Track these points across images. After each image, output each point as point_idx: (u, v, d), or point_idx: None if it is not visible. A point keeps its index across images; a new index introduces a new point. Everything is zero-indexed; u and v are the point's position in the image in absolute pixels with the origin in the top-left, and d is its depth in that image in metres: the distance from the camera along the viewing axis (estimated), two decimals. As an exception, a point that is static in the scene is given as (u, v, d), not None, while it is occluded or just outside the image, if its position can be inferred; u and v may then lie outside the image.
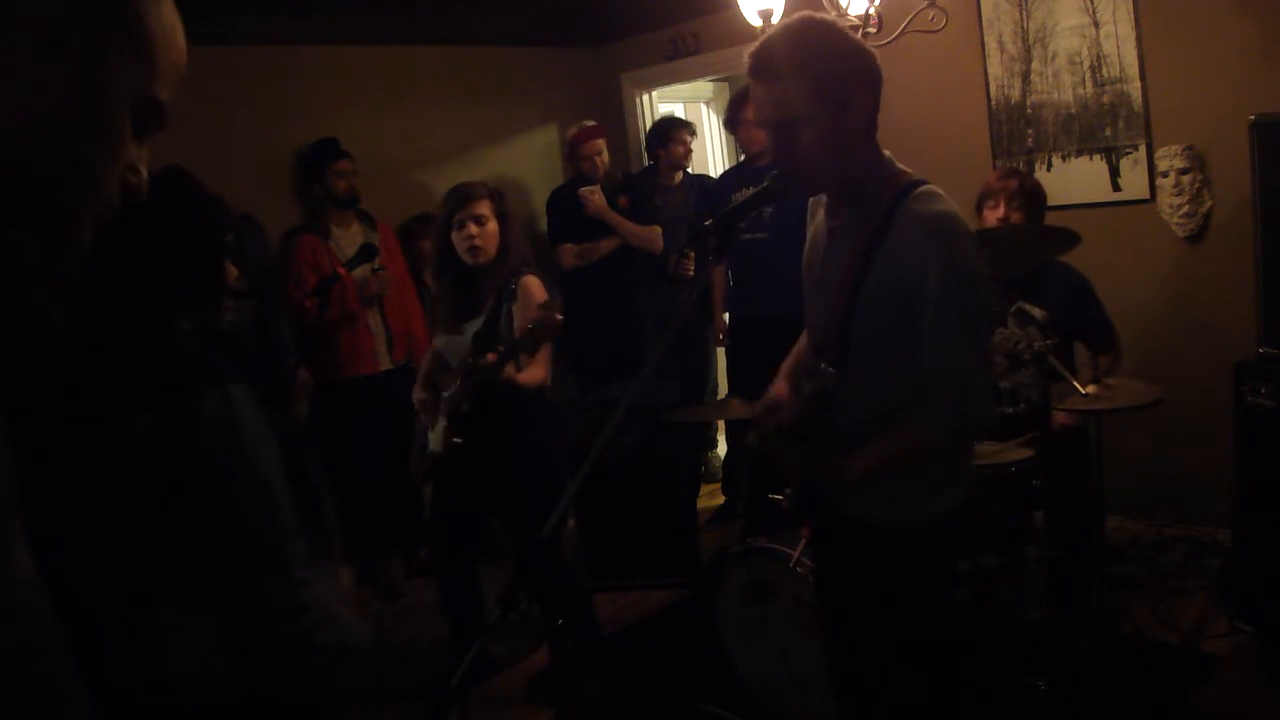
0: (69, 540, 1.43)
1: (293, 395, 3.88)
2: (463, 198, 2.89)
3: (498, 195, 2.97)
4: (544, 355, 2.90)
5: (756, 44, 1.67)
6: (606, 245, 4.57)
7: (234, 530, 1.39)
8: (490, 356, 2.68)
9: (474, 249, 2.87)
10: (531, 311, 2.73)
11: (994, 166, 3.90)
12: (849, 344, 1.70)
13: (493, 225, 2.89)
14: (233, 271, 1.59)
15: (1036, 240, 2.74)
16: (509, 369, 2.71)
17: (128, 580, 1.41)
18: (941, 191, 1.68)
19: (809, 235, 1.90)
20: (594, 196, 4.51)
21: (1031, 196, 2.94)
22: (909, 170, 1.73)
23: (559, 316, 2.65)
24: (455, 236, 2.89)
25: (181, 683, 1.40)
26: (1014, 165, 3.67)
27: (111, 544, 1.42)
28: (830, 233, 1.79)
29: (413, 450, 3.13)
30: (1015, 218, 2.88)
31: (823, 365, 1.73)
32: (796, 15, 1.71)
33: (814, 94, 1.62)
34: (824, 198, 1.85)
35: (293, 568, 1.43)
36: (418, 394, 3.05)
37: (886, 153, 1.73)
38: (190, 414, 1.37)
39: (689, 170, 4.95)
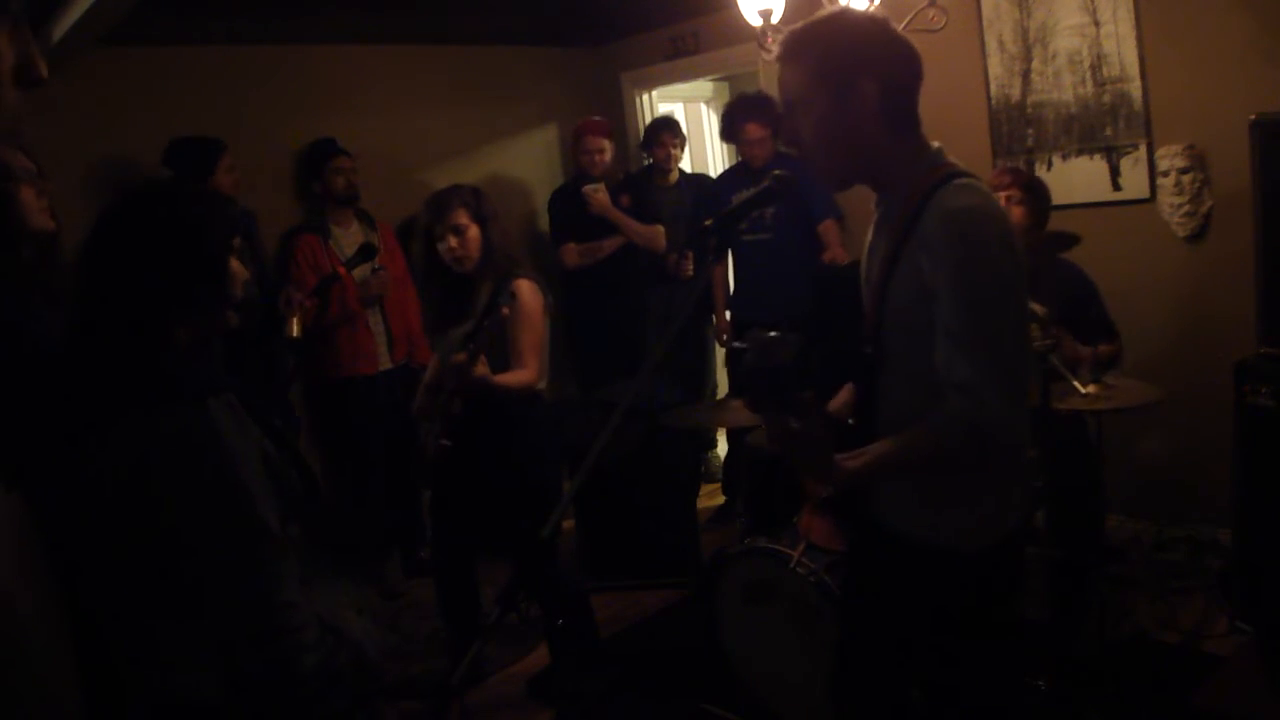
0: (67, 552, 1.42)
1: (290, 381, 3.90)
2: (439, 208, 2.86)
3: (474, 199, 2.90)
4: (534, 356, 2.88)
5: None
6: (610, 244, 4.56)
7: (210, 549, 1.36)
8: (457, 358, 2.66)
9: (458, 259, 2.86)
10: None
11: (994, 166, 3.90)
12: (883, 339, 1.63)
13: (473, 231, 2.86)
14: (242, 272, 1.55)
15: (1033, 244, 2.73)
16: (481, 368, 2.68)
17: (120, 592, 1.40)
18: (982, 186, 1.58)
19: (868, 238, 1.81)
20: (598, 194, 4.49)
21: (1031, 190, 2.95)
22: (957, 163, 1.64)
23: (505, 310, 2.63)
24: (440, 247, 2.87)
25: (176, 694, 1.39)
26: (1015, 165, 3.66)
27: (95, 557, 1.40)
28: (875, 225, 1.74)
29: (413, 453, 3.11)
30: (1016, 211, 2.88)
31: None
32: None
33: (813, 78, 1.60)
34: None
35: (279, 588, 1.39)
36: (418, 402, 3.00)
37: (935, 144, 1.67)
38: (163, 429, 1.34)
39: (684, 170, 4.94)
